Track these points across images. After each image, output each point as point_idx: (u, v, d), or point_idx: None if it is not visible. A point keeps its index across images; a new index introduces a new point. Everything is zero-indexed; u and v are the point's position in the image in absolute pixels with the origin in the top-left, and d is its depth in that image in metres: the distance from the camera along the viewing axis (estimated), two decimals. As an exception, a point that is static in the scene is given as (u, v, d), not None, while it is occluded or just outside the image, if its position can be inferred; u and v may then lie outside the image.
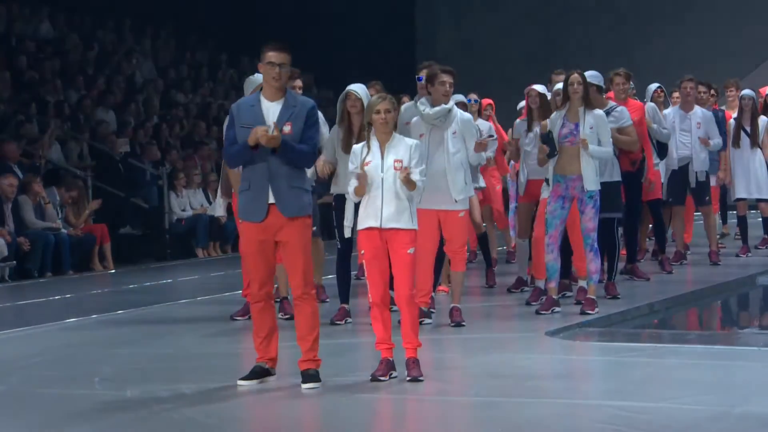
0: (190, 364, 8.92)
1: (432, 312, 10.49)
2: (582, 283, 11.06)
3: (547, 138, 10.51)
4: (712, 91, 15.11)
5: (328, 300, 11.42)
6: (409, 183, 7.87)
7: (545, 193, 11.05)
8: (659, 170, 13.26)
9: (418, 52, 23.76)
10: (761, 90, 15.47)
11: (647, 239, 14.55)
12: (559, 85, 10.96)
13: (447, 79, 9.97)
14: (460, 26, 24.84)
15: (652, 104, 13.23)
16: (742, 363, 8.77)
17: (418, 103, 10.05)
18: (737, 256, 14.65)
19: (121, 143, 18.87)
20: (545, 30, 23.72)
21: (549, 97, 11.54)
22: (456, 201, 9.97)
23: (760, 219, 15.22)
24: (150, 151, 19.18)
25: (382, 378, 7.84)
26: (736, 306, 12.94)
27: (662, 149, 13.11)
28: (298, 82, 10.72)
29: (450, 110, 9.98)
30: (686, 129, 13.63)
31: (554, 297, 10.75)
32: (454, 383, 8.14)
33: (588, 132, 10.49)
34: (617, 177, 11.08)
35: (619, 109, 11.38)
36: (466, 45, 24.27)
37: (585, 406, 7.27)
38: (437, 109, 9.95)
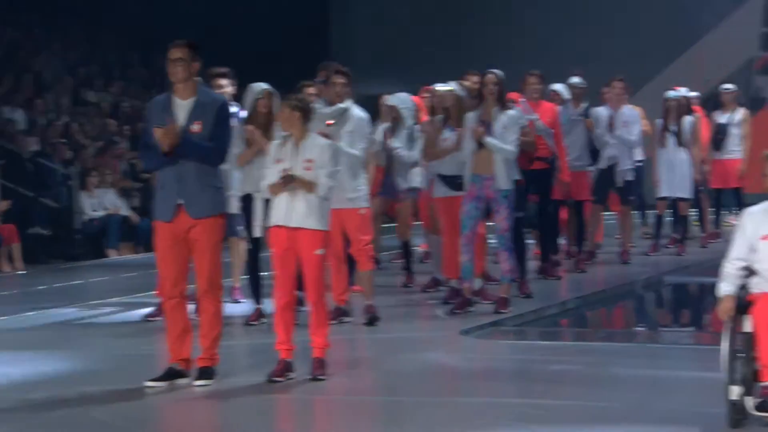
0: (100, 365, 8.82)
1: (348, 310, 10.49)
2: (478, 281, 11.12)
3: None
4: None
5: (242, 300, 11.35)
6: (305, 185, 7.85)
7: (439, 191, 11.14)
8: (590, 172, 13.40)
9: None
10: (676, 88, 15.68)
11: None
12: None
13: (339, 80, 10.13)
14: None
15: (597, 109, 13.40)
16: (653, 360, 8.89)
17: (317, 104, 10.17)
18: (647, 254, 14.83)
19: (30, 142, 18.59)
20: (459, 27, 23.82)
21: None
22: (352, 199, 10.04)
23: (671, 218, 15.39)
24: (60, 150, 18.92)
25: (277, 379, 7.84)
26: (646, 304, 13.10)
27: (595, 154, 13.27)
28: (220, 81, 10.63)
29: (346, 110, 10.10)
30: (614, 128, 13.78)
31: (469, 297, 10.79)
32: (365, 382, 8.15)
33: (500, 131, 10.56)
34: (517, 176, 11.12)
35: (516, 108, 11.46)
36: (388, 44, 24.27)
37: (497, 404, 7.31)
38: (332, 108, 10.07)
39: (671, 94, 15.02)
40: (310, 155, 7.94)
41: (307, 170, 7.92)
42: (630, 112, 13.97)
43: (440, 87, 11.55)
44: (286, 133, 8.04)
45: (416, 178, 12.34)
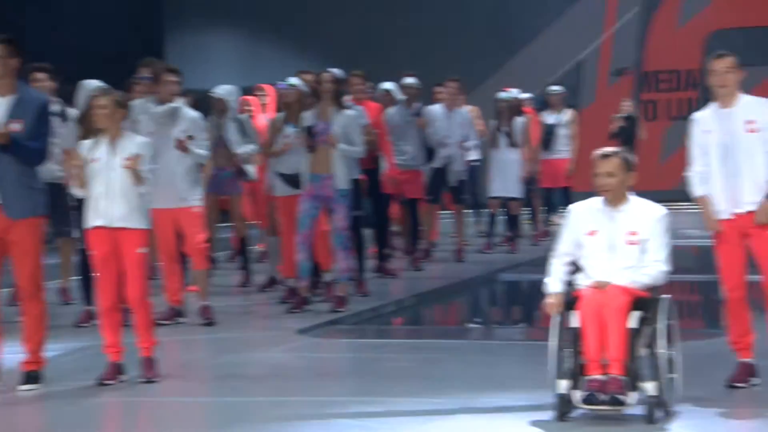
0: None
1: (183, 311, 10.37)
2: (328, 276, 11.13)
3: (310, 131, 10.54)
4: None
5: (73, 302, 11.11)
6: (136, 176, 7.74)
7: (280, 190, 11.12)
8: (424, 171, 13.50)
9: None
10: (507, 89, 15.94)
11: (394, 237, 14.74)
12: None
13: (172, 78, 10.02)
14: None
15: (430, 108, 13.49)
16: (485, 357, 9.03)
17: (145, 102, 10.05)
18: (481, 252, 15.05)
19: None
20: (296, 26, 23.76)
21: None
22: (185, 198, 9.97)
23: (505, 217, 15.65)
24: None
25: (107, 382, 7.72)
26: (481, 301, 13.30)
27: (430, 153, 13.38)
28: (38, 75, 10.38)
29: (177, 109, 10.03)
30: (449, 128, 13.91)
31: (306, 295, 10.79)
32: (199, 383, 8.08)
33: (339, 132, 10.57)
34: (355, 175, 11.16)
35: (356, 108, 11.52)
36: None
37: (333, 403, 7.32)
38: (164, 107, 9.98)
39: (502, 95, 15.27)
40: (129, 153, 7.80)
41: (128, 168, 7.78)
42: (463, 113, 14.14)
43: (284, 83, 11.55)
44: (102, 128, 7.86)
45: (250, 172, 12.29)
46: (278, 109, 11.89)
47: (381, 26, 23.29)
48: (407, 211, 13.69)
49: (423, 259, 13.98)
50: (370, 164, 11.96)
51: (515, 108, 15.25)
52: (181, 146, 10.00)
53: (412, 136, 13.32)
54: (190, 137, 10.74)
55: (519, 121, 15.08)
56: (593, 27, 23.36)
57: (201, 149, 10.15)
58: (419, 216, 13.77)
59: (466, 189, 14.36)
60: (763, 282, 7.41)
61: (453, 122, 13.95)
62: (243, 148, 11.82)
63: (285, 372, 8.36)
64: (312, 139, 10.52)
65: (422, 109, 13.52)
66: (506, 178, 14.96)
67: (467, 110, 14.51)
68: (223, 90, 12.07)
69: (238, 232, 12.67)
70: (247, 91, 12.91)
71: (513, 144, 14.96)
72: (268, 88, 12.74)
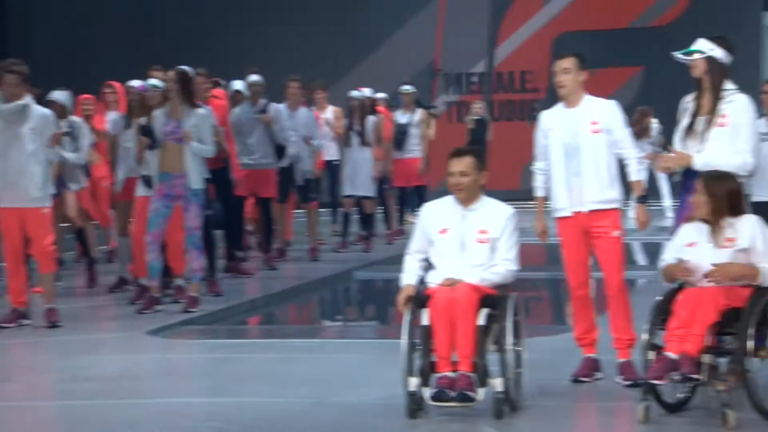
0: None
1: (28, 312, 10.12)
2: (180, 281, 11.01)
3: (146, 131, 10.40)
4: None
5: None
6: None
7: (140, 191, 10.95)
8: (275, 169, 13.41)
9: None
10: (360, 88, 15.97)
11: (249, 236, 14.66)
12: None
13: (12, 80, 9.80)
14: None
15: (276, 105, 13.39)
16: (339, 355, 9.04)
17: None
18: (336, 251, 15.06)
19: None
20: (143, 24, 23.41)
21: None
22: (35, 198, 9.75)
23: (360, 216, 15.68)
24: None
25: None
26: (335, 300, 13.32)
27: (280, 151, 13.29)
28: None
29: (25, 106, 9.79)
30: (291, 127, 13.86)
31: (156, 296, 10.64)
32: (45, 387, 7.89)
33: (191, 130, 10.45)
34: (206, 174, 11.04)
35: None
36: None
37: (182, 405, 7.25)
38: (12, 105, 9.74)
39: (354, 94, 15.30)
40: None
41: None
42: (308, 113, 14.12)
43: (135, 83, 11.38)
44: None
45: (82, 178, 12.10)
46: (128, 108, 11.70)
47: (238, 25, 23.12)
48: (261, 211, 13.60)
49: (277, 258, 13.91)
50: (218, 164, 11.86)
51: (367, 107, 15.28)
52: (56, 140, 9.77)
53: (259, 134, 13.21)
54: (68, 133, 10.57)
55: (371, 120, 15.11)
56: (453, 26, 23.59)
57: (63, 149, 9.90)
58: (273, 215, 13.69)
59: (312, 188, 14.32)
60: (606, 280, 7.56)
61: (297, 121, 13.91)
62: (69, 154, 11.63)
63: (134, 374, 8.23)
64: (151, 137, 10.40)
65: (267, 106, 13.40)
66: (358, 176, 14.98)
67: (331, 110, 14.49)
68: (59, 95, 11.86)
69: (78, 231, 12.42)
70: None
71: (365, 143, 14.98)
72: (118, 86, 12.53)
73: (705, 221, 6.78)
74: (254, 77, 13.40)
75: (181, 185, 10.45)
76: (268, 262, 13.51)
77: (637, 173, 7.55)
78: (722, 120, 7.23)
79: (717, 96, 7.27)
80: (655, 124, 18.35)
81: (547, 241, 7.76)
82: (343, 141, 15.07)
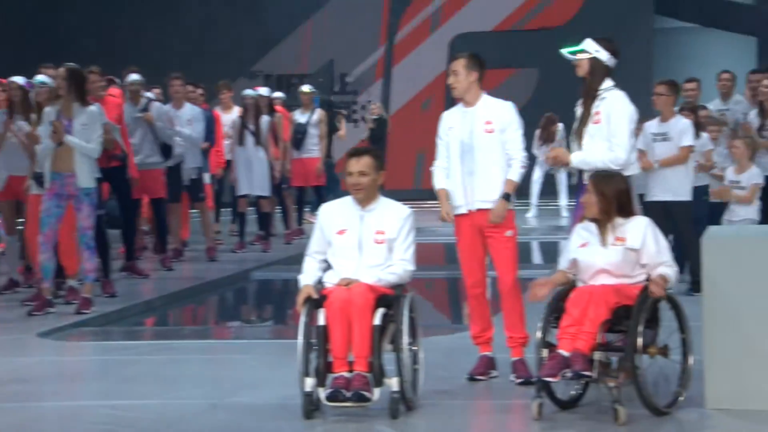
0: None
1: None
2: (72, 282, 10.85)
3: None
4: (200, 91, 15.36)
5: None
6: None
7: (33, 190, 10.79)
8: (162, 169, 13.26)
9: None
10: (256, 88, 15.90)
11: (144, 236, 14.51)
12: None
13: None
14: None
15: (158, 104, 13.24)
16: (235, 356, 8.99)
17: None
18: (233, 251, 14.96)
19: None
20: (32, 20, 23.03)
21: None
22: None
23: (256, 216, 15.60)
24: None
25: None
26: (232, 300, 13.24)
27: (166, 150, 13.15)
28: None
29: None
30: (180, 126, 13.74)
31: (48, 297, 10.47)
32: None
33: (80, 128, 10.33)
34: (97, 174, 10.89)
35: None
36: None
37: (75, 408, 7.16)
38: None
39: (247, 92, 15.19)
40: None
41: None
42: (193, 110, 14.03)
43: (17, 79, 11.17)
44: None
45: None
46: (9, 105, 11.47)
47: (136, 22, 22.88)
48: (153, 211, 13.46)
49: (174, 258, 13.79)
50: (114, 162, 11.71)
51: (262, 106, 15.23)
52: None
53: (142, 134, 13.05)
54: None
55: (265, 119, 15.03)
56: (347, 26, 23.61)
57: None
58: (166, 215, 13.56)
59: (201, 187, 14.20)
60: (499, 279, 7.64)
61: (181, 120, 13.79)
62: None
63: (25, 377, 8.09)
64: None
65: (149, 105, 13.25)
66: (253, 175, 14.87)
67: (237, 110, 14.38)
68: None
69: None
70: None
71: (259, 142, 14.88)
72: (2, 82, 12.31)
73: (595, 221, 6.88)
74: (133, 76, 13.23)
75: (72, 184, 10.32)
76: (164, 262, 13.39)
77: (516, 173, 7.59)
78: (597, 117, 7.39)
79: (593, 96, 7.42)
80: (560, 128, 18.62)
81: (452, 220, 7.72)
82: (237, 140, 14.91)
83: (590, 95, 7.44)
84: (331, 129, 17.45)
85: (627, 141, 7.39)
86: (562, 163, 7.63)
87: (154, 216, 13.58)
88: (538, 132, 18.19)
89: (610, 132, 7.37)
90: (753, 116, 11.81)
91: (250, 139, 14.83)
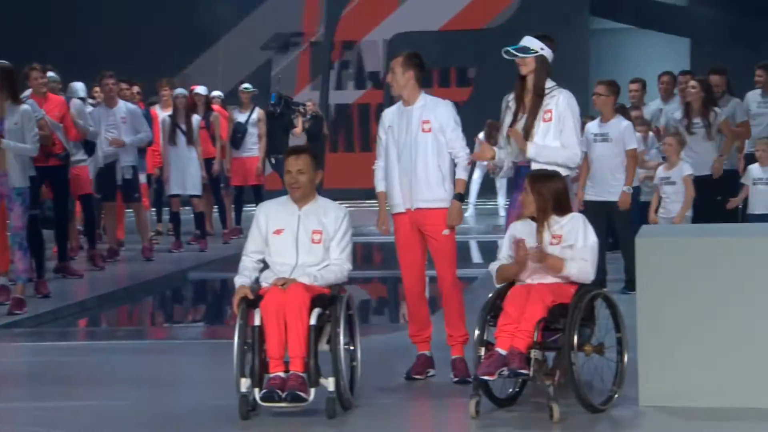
0: None
1: None
2: (2, 280, 10.70)
3: None
4: (136, 88, 15.24)
5: None
6: None
7: None
8: (87, 166, 13.10)
9: None
10: (192, 87, 15.81)
11: (80, 236, 14.36)
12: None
13: None
14: None
15: (76, 101, 13.08)
16: (171, 357, 8.93)
17: None
18: (170, 251, 14.85)
19: None
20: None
21: None
22: None
23: (192, 215, 15.50)
24: None
25: None
26: (168, 301, 13.14)
27: (89, 147, 13.00)
28: None
29: None
30: (112, 124, 13.62)
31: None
32: None
33: (13, 128, 10.20)
34: (32, 172, 10.77)
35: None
36: None
37: (6, 410, 7.07)
38: None
39: (178, 91, 15.02)
40: None
41: None
42: (127, 107, 13.91)
43: None
44: None
45: None
46: None
47: (72, 17, 22.66)
48: (82, 207, 13.31)
49: (109, 258, 13.65)
50: (52, 161, 11.58)
51: (200, 104, 15.12)
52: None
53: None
54: None
55: (195, 118, 14.91)
56: (289, 22, 23.56)
57: None
58: (96, 214, 13.40)
59: (135, 187, 14.07)
60: (438, 278, 7.65)
61: (115, 119, 13.67)
62: None
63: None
64: None
65: (69, 103, 13.09)
66: (185, 175, 14.75)
67: (136, 107, 14.21)
68: None
69: None
70: None
71: (191, 142, 14.76)
72: None
73: (533, 219, 6.91)
74: (49, 74, 13.07)
75: (4, 183, 10.19)
76: (93, 260, 13.20)
77: (462, 172, 7.63)
78: (547, 115, 7.40)
79: (540, 94, 7.44)
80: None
81: (387, 233, 7.80)
82: (168, 139, 14.75)
83: (537, 93, 7.44)
84: (288, 126, 17.38)
85: (577, 140, 7.45)
86: (488, 158, 7.63)
87: (82, 213, 13.42)
88: (481, 136, 18.20)
89: (562, 131, 7.38)
90: (678, 115, 11.94)
91: (182, 139, 14.71)
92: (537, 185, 6.88)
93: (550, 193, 6.86)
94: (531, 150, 7.36)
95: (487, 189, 19.42)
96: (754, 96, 12.80)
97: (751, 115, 12.43)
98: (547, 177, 6.95)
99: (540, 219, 6.86)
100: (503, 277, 6.87)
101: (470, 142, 7.78)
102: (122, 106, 13.84)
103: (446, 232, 7.59)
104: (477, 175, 18.95)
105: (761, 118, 12.63)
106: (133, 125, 13.78)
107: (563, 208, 6.91)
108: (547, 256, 6.69)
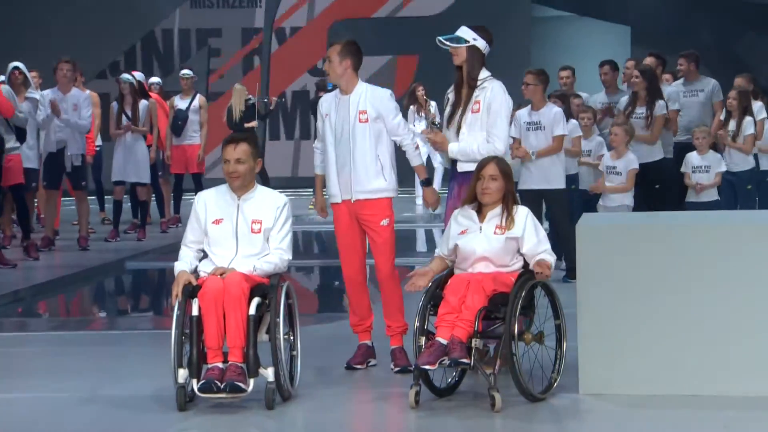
0: None
1: None
2: None
3: None
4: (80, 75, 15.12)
5: None
6: None
7: None
8: (19, 154, 12.94)
9: None
10: (133, 72, 15.66)
11: (13, 225, 14.19)
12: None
13: None
14: None
15: (6, 87, 12.92)
16: (109, 347, 8.86)
17: None
18: (107, 240, 14.72)
19: None
20: None
21: None
22: None
23: (132, 203, 15.37)
24: None
25: None
26: (107, 291, 13.03)
27: (21, 134, 12.85)
28: None
29: None
30: (63, 110, 13.45)
31: None
32: None
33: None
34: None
35: None
36: None
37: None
38: None
39: (123, 77, 14.91)
40: None
41: None
42: (79, 94, 13.79)
43: None
44: None
45: None
46: None
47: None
48: (13, 197, 13.14)
49: (44, 248, 13.51)
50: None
51: (139, 91, 15.01)
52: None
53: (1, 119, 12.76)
54: None
55: (144, 104, 14.83)
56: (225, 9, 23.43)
57: None
58: (27, 202, 13.24)
59: (83, 174, 13.95)
60: (376, 268, 7.66)
61: (68, 106, 13.53)
62: None
63: None
64: None
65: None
66: (129, 162, 14.66)
67: (87, 94, 14.09)
68: None
69: None
70: None
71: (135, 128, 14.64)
72: None
73: (476, 208, 6.93)
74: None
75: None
76: (28, 250, 13.04)
77: (416, 158, 7.67)
78: (476, 106, 7.42)
79: (472, 85, 7.47)
80: (433, 105, 18.53)
81: (326, 216, 7.81)
82: (116, 126, 14.64)
83: (469, 84, 7.48)
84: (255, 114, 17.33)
85: (505, 132, 7.47)
86: (442, 150, 7.64)
87: (15, 203, 13.25)
88: (412, 108, 18.00)
89: (489, 123, 7.42)
90: (622, 103, 12.04)
91: (125, 125, 14.60)
92: (507, 169, 6.91)
93: (512, 178, 6.94)
94: (452, 150, 7.43)
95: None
96: (677, 86, 12.94)
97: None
98: (507, 162, 7.04)
99: (507, 204, 6.86)
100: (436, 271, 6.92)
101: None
102: (75, 93, 13.70)
103: (386, 221, 7.59)
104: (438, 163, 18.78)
105: (687, 109, 12.78)
106: (80, 113, 13.65)
107: (514, 198, 6.97)
108: (547, 266, 6.73)
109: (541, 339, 6.79)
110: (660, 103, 11.72)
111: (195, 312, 6.62)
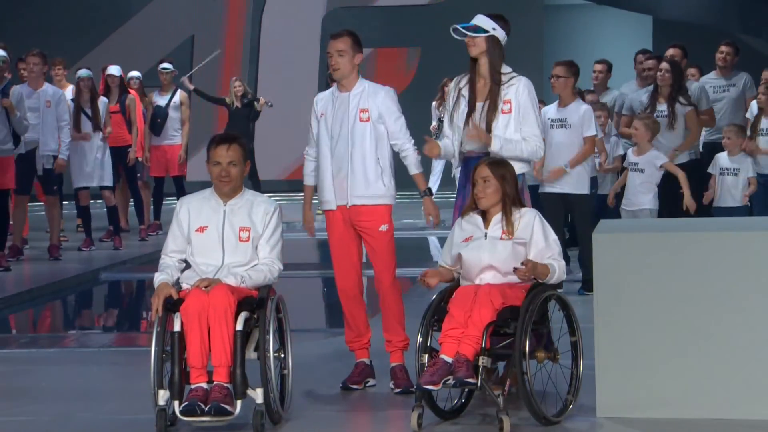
0: None
1: None
2: None
3: None
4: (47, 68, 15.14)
5: None
6: None
7: None
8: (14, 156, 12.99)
9: None
10: (107, 66, 15.69)
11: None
12: None
13: None
14: None
15: (18, 88, 13.00)
16: (82, 366, 8.88)
17: None
18: (80, 249, 14.73)
19: None
20: None
21: None
22: None
23: (104, 209, 15.38)
24: None
25: None
26: (79, 305, 13.05)
27: (17, 136, 12.90)
28: None
29: None
30: (34, 107, 13.48)
31: None
32: None
33: None
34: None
35: None
36: None
37: None
38: None
39: (81, 73, 14.77)
40: None
41: None
42: (54, 90, 13.80)
43: None
44: None
45: None
46: None
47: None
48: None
49: (12, 257, 13.52)
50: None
51: (114, 86, 15.02)
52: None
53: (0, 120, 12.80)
54: None
55: (103, 101, 14.79)
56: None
57: None
58: (8, 209, 13.26)
59: (54, 178, 13.94)
60: (376, 278, 7.67)
61: (40, 102, 13.55)
62: None
63: None
64: None
65: (7, 88, 12.99)
66: (91, 164, 14.59)
67: (62, 92, 14.12)
68: None
69: None
70: None
71: (97, 127, 14.60)
72: None
73: (481, 214, 6.94)
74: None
75: None
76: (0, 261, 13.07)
77: (415, 166, 7.66)
78: (506, 107, 7.39)
79: (497, 81, 7.42)
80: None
81: (313, 234, 7.83)
82: (72, 125, 14.50)
83: (493, 79, 7.41)
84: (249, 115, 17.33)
85: (540, 133, 7.47)
86: (433, 154, 7.60)
87: None
88: (434, 104, 17.92)
89: (524, 122, 7.37)
90: (644, 98, 11.95)
91: (87, 125, 14.54)
92: (500, 170, 6.91)
93: (513, 179, 6.92)
94: (496, 143, 7.33)
95: (448, 181, 19.46)
96: (708, 80, 12.84)
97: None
98: (506, 163, 7.00)
99: (506, 207, 6.86)
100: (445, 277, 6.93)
101: (413, 134, 7.73)
102: (48, 89, 13.70)
103: (384, 227, 7.59)
104: (440, 167, 18.76)
105: (718, 104, 12.70)
106: (57, 111, 13.65)
107: (518, 201, 6.97)
108: (537, 266, 6.73)
109: (555, 357, 6.80)
110: (682, 101, 11.62)
111: (177, 327, 6.62)
